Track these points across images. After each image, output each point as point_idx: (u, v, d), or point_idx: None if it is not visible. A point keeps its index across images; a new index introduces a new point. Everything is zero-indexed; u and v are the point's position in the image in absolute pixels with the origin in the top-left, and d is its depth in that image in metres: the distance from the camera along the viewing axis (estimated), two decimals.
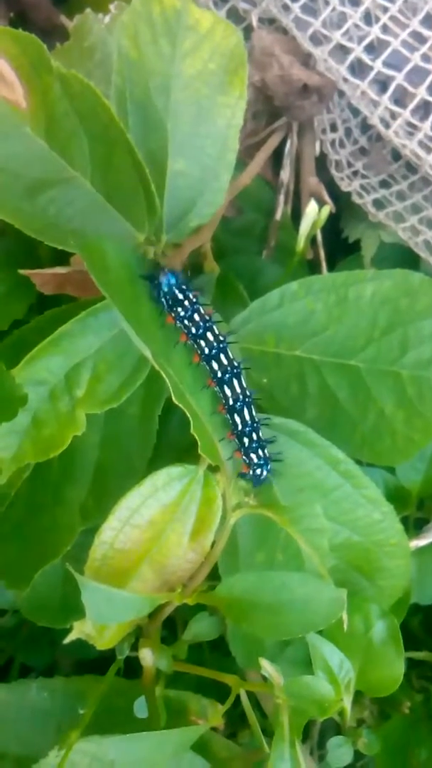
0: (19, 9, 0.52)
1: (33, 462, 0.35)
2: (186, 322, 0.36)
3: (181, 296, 0.36)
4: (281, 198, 0.52)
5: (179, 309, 0.36)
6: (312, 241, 0.50)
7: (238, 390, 0.36)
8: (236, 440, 0.37)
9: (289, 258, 0.48)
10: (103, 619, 0.34)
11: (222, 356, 0.36)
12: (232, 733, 0.46)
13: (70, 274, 0.38)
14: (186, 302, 0.36)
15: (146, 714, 0.38)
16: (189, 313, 0.36)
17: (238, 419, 0.36)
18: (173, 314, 0.36)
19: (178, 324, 0.36)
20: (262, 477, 0.37)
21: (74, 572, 0.31)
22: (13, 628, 0.53)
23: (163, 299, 0.36)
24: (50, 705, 0.42)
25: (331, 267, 0.53)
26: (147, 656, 0.37)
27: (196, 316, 0.36)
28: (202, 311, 0.36)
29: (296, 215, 0.52)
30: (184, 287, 0.36)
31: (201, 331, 0.36)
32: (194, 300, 0.36)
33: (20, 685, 0.42)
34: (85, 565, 0.34)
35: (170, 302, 0.36)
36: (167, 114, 0.37)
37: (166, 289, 0.36)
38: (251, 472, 0.37)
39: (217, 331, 0.36)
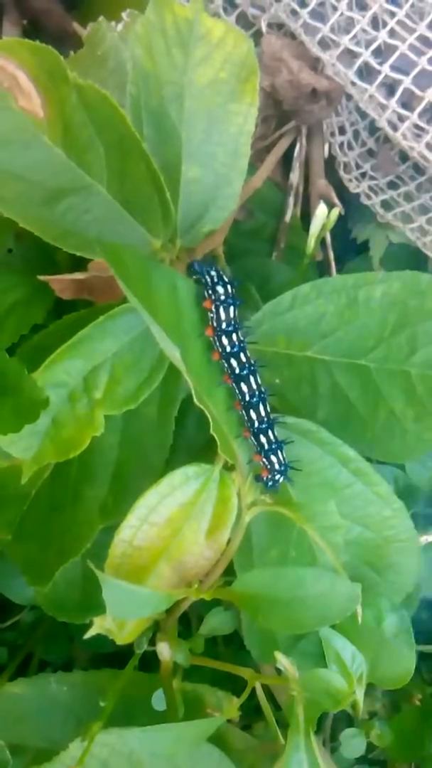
0: (31, 16, 0.53)
1: (53, 462, 0.36)
2: (221, 314, 0.37)
3: (221, 288, 0.37)
4: (291, 200, 0.53)
5: (221, 294, 0.37)
6: (321, 242, 0.50)
7: (254, 386, 0.37)
8: (253, 439, 0.37)
9: (298, 259, 0.49)
10: (123, 615, 0.34)
11: (241, 354, 0.37)
12: (245, 726, 0.47)
13: (89, 279, 0.39)
14: (226, 296, 0.37)
15: (164, 706, 0.39)
16: (227, 303, 0.37)
17: (254, 415, 0.37)
18: (212, 299, 0.37)
19: (211, 315, 0.37)
20: (278, 483, 0.38)
21: (95, 569, 0.32)
22: (32, 624, 0.54)
23: (210, 283, 0.37)
24: (69, 698, 0.43)
25: (340, 267, 0.54)
26: (164, 650, 0.38)
27: (231, 312, 0.37)
28: (235, 310, 0.37)
29: (305, 217, 0.53)
30: (226, 279, 0.37)
31: (230, 328, 0.37)
32: (231, 295, 0.37)
33: (40, 679, 0.43)
34: (106, 562, 0.35)
35: (213, 288, 0.37)
36: (181, 123, 0.38)
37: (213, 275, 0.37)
38: (269, 476, 0.37)
39: (240, 332, 0.37)
